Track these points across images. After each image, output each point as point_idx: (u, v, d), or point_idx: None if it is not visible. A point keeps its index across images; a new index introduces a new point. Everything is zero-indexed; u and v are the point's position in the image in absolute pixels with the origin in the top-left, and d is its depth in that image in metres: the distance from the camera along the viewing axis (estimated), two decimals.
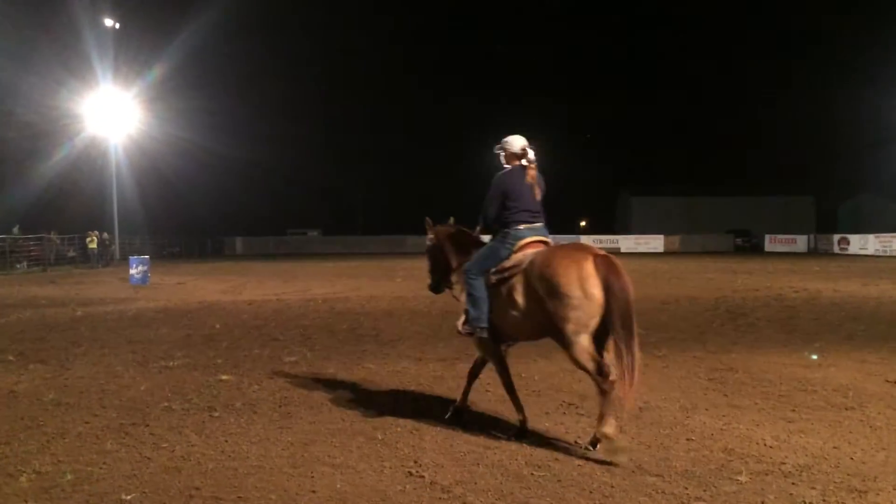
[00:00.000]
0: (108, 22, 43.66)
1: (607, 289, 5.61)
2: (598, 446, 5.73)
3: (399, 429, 6.32)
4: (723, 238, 61.66)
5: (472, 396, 6.81)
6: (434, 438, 6.06)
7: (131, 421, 6.65)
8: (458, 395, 6.80)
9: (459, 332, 6.48)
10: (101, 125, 43.03)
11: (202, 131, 54.98)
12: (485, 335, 6.27)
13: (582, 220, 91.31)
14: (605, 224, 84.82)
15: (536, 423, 6.40)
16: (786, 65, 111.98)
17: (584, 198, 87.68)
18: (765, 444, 5.86)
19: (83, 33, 42.95)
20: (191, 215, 59.65)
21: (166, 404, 7.24)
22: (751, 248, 59.61)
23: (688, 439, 6.03)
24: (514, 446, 5.85)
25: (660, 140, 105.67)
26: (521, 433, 6.14)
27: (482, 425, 6.40)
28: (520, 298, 6.03)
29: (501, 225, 6.44)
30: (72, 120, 43.30)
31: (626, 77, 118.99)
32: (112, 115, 42.68)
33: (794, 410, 6.87)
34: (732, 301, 16.50)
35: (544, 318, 5.82)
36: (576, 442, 5.99)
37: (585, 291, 5.64)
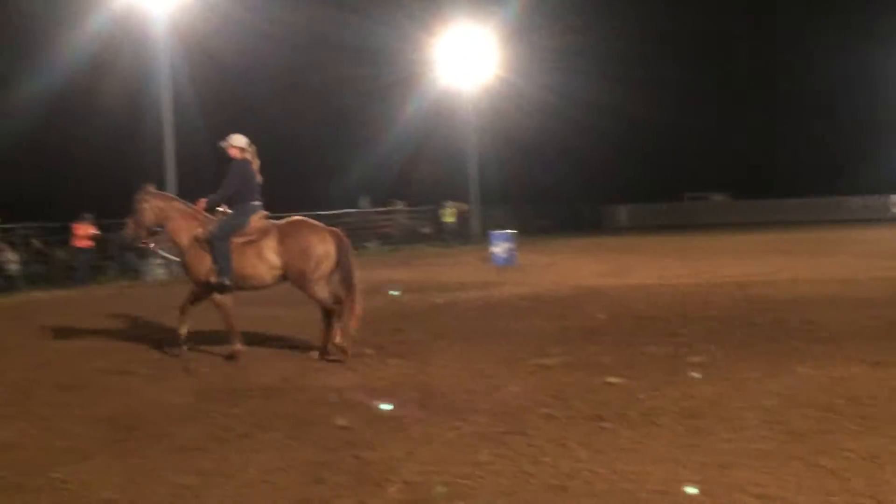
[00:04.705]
0: None
1: (339, 252, 10.89)
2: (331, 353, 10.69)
3: (850, 455, 6.12)
4: None
5: None
6: None
7: (506, 429, 7.18)
8: None
9: (212, 281, 10.86)
10: (455, 73, 45.44)
11: (573, 76, 55.76)
12: (227, 283, 10.76)
13: None
14: None
15: None
16: None
17: None
18: None
19: None
20: (561, 180, 61.26)
21: (545, 410, 7.70)
22: None
23: None
24: None
25: None
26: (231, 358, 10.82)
27: None
28: (271, 256, 10.84)
29: (238, 201, 11.01)
30: (421, 68, 46.40)
31: None
32: (466, 59, 44.77)
33: None
34: None
35: (292, 270, 10.84)
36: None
37: (327, 254, 10.85)
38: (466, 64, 44.75)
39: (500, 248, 25.81)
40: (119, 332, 12.40)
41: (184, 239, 11.19)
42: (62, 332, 13.03)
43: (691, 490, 5.57)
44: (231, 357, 10.87)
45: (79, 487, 6.17)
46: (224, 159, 11.34)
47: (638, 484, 5.75)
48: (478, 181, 46.09)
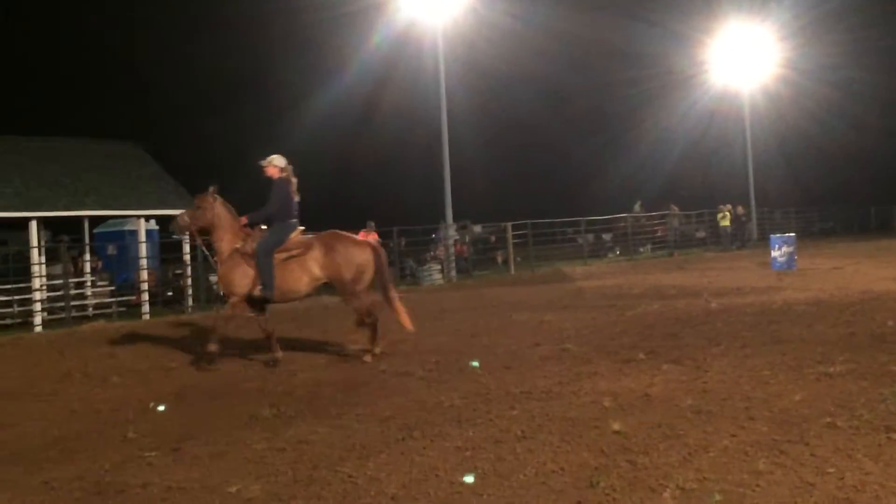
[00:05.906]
0: None
1: (377, 262, 12.11)
2: (368, 357, 11.81)
3: None
4: None
5: None
6: None
7: (786, 437, 6.92)
8: None
9: (255, 295, 11.85)
10: (731, 73, 44.24)
11: (861, 73, 52.91)
12: (270, 295, 11.75)
13: None
14: None
15: None
16: None
17: None
18: None
19: None
20: (847, 181, 58.40)
21: (829, 419, 7.35)
22: None
23: None
24: None
25: None
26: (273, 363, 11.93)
27: None
28: (314, 268, 11.82)
29: (280, 218, 11.85)
30: (695, 69, 45.54)
31: None
32: (744, 59, 43.39)
33: None
34: None
35: (336, 280, 11.93)
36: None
37: (368, 263, 11.97)
38: (743, 64, 43.45)
39: (779, 252, 24.90)
40: (397, 336, 12.85)
41: (225, 249, 12.05)
42: (344, 336, 13.69)
43: None
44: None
45: (365, 482, 6.47)
46: (265, 179, 12.05)
47: None
48: (752, 184, 44.73)
